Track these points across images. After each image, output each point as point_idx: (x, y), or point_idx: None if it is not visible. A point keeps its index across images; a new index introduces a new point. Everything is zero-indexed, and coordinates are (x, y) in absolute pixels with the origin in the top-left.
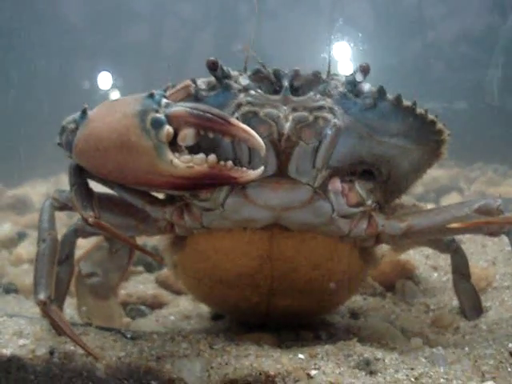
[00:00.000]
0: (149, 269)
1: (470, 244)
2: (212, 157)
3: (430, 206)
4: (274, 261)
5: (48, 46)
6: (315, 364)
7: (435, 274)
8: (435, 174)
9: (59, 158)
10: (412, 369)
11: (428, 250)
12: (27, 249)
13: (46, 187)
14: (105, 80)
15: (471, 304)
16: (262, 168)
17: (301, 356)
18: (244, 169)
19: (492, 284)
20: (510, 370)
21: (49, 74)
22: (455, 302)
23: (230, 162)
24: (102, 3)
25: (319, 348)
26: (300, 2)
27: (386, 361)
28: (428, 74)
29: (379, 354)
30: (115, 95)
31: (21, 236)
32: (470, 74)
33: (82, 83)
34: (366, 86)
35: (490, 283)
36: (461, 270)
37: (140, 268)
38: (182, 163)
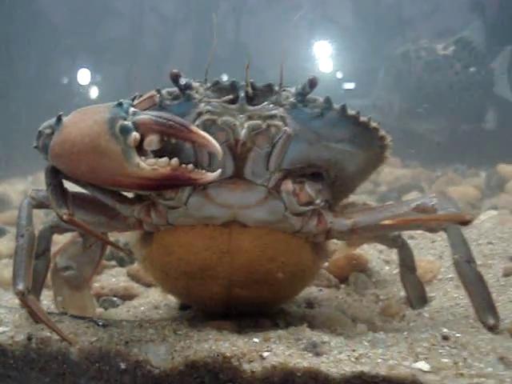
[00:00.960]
0: (121, 263)
1: (421, 240)
2: (174, 160)
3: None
4: (232, 254)
5: (27, 43)
6: (268, 347)
7: (387, 268)
8: (399, 173)
9: (37, 157)
10: (354, 350)
11: (381, 246)
12: (6, 245)
13: (24, 185)
14: (84, 76)
15: (416, 294)
16: (220, 171)
17: (255, 340)
18: (203, 171)
19: (437, 276)
20: (441, 351)
21: (27, 72)
22: (403, 293)
23: (190, 165)
24: (82, 0)
25: (272, 333)
26: None
27: (332, 344)
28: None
29: (326, 337)
30: (94, 91)
31: (0, 232)
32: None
33: (61, 80)
34: (314, 97)
35: (435, 275)
36: (407, 263)
37: (113, 262)
38: (148, 166)
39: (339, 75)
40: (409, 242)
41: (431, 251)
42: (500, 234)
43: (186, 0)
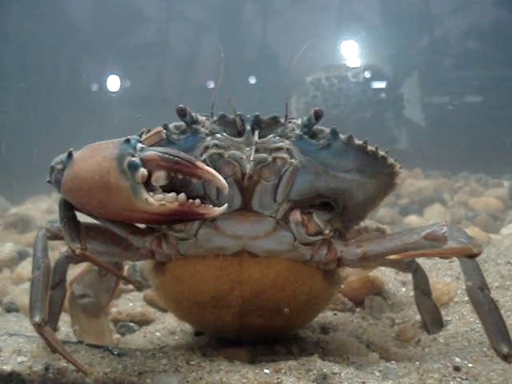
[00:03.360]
0: (138, 287)
1: (439, 259)
2: (182, 195)
3: (413, 217)
4: (243, 284)
5: (56, 49)
6: (278, 378)
7: (403, 289)
8: (420, 184)
9: None
10: (364, 382)
11: None
12: (28, 268)
13: (47, 203)
14: (113, 83)
15: (432, 318)
16: (226, 206)
17: (266, 371)
18: (210, 206)
19: (453, 299)
20: (451, 383)
21: (58, 80)
22: (418, 317)
23: (197, 200)
24: (109, 6)
25: (283, 363)
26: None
27: (342, 375)
28: (436, 70)
29: (336, 368)
30: (123, 97)
31: (22, 255)
32: (478, 69)
33: (91, 87)
34: (321, 128)
35: (451, 298)
36: (421, 287)
37: (130, 286)
38: (156, 201)
39: (367, 74)
40: (427, 261)
41: (448, 272)
42: None
43: (212, 3)
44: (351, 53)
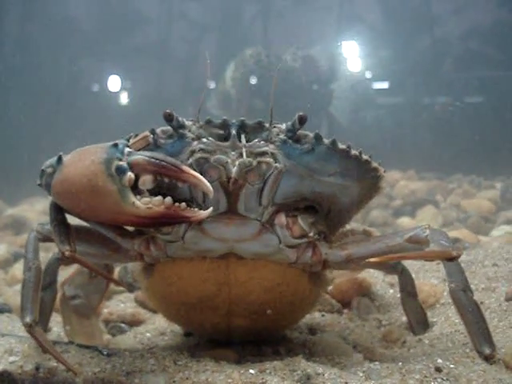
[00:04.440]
0: (129, 288)
1: (425, 262)
2: (168, 199)
3: (405, 219)
4: (230, 286)
5: (56, 49)
6: (263, 378)
7: (391, 291)
8: (414, 186)
9: None
10: (346, 382)
11: None
12: (21, 270)
13: (43, 205)
14: (114, 83)
15: (418, 320)
16: (211, 209)
17: (251, 371)
18: (196, 209)
19: (440, 300)
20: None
21: (58, 80)
22: (405, 318)
23: (183, 204)
24: (111, 7)
25: (268, 364)
26: (307, 0)
27: (326, 375)
28: (437, 70)
29: (320, 369)
30: (124, 97)
31: (16, 256)
32: (478, 70)
33: (92, 87)
34: (305, 133)
35: (437, 300)
36: (407, 288)
37: (121, 287)
38: (143, 205)
39: (368, 75)
40: (414, 264)
41: (435, 274)
42: (507, 255)
43: (213, 4)
44: (352, 53)
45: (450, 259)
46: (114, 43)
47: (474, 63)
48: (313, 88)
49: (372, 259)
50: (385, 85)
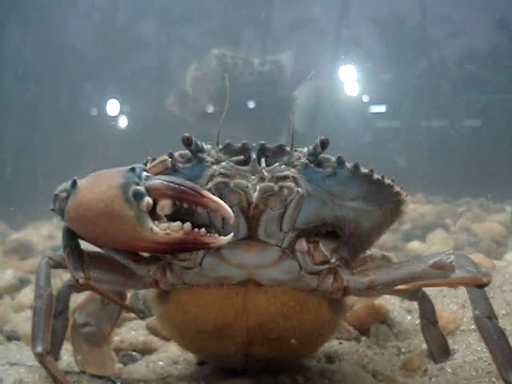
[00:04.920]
0: (141, 316)
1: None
2: (187, 224)
3: (415, 243)
4: (248, 313)
5: (56, 74)
6: None
7: (409, 317)
8: (423, 210)
9: None
10: None
11: None
12: (29, 295)
13: (48, 229)
14: (113, 107)
15: (438, 347)
16: (232, 235)
17: None
18: (216, 235)
19: (460, 327)
20: None
21: (57, 104)
22: (425, 345)
23: (203, 229)
24: (110, 32)
25: None
26: (304, 24)
27: None
28: (434, 94)
29: None
30: (123, 121)
31: (23, 282)
32: (476, 93)
33: (91, 111)
34: (326, 157)
35: (458, 326)
36: (428, 315)
37: (133, 314)
38: (161, 230)
39: (365, 98)
40: (431, 289)
41: (454, 299)
42: None
43: (212, 28)
44: (349, 77)
45: (480, 286)
46: (113, 67)
47: (472, 86)
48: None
49: (400, 286)
50: (382, 108)
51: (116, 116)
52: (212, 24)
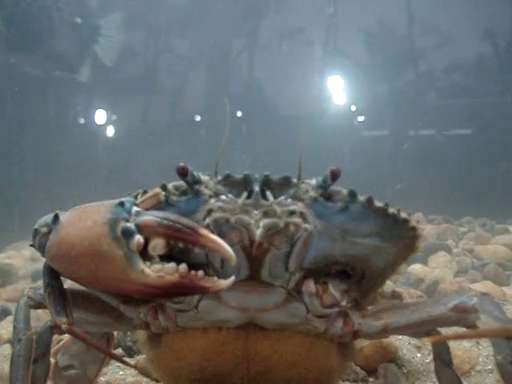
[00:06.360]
0: (129, 352)
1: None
2: (183, 266)
3: (417, 266)
4: (249, 360)
5: (44, 83)
6: None
7: (419, 355)
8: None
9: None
10: None
11: None
12: (8, 328)
13: (31, 250)
14: (100, 116)
15: None
16: (233, 278)
17: None
18: (215, 278)
19: (475, 367)
20: None
21: (44, 115)
22: None
23: (200, 272)
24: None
25: None
26: (292, 35)
27: None
28: (421, 103)
29: None
30: (110, 131)
31: (1, 313)
32: (462, 101)
33: (78, 120)
34: (337, 189)
35: (473, 366)
36: (442, 356)
37: (119, 351)
38: (153, 272)
39: (353, 108)
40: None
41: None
42: None
43: (200, 39)
44: (337, 87)
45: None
46: (101, 76)
47: (458, 95)
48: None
49: (426, 339)
50: (371, 118)
51: (103, 124)
52: (201, 34)
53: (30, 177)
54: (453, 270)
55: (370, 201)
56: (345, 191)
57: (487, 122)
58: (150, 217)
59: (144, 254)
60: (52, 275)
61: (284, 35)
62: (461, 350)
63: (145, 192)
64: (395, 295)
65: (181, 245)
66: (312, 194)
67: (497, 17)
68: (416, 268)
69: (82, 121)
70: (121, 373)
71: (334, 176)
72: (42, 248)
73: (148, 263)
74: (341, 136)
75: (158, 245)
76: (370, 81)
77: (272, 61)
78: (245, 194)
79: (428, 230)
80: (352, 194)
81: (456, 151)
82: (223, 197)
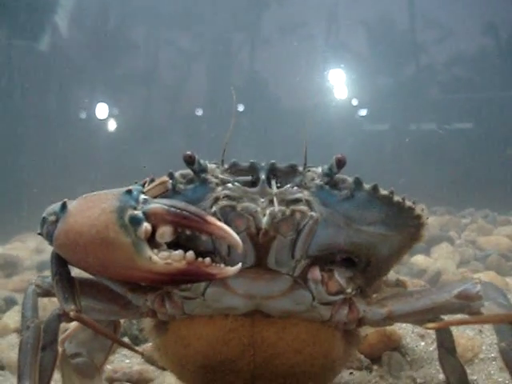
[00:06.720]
0: (135, 341)
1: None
2: (190, 254)
3: (420, 257)
4: (255, 347)
5: (44, 76)
6: None
7: (422, 343)
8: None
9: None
10: None
11: None
12: (15, 318)
13: (35, 242)
14: (102, 111)
15: (457, 379)
16: (240, 265)
17: None
18: (222, 265)
19: (478, 355)
20: None
21: (45, 108)
22: (442, 375)
23: (207, 259)
24: (98, 35)
25: None
26: (294, 28)
27: None
28: (422, 97)
29: None
30: (112, 124)
31: (8, 302)
32: (463, 95)
33: (80, 114)
34: (342, 177)
35: (476, 354)
36: (446, 344)
37: (126, 339)
38: (161, 260)
39: (354, 102)
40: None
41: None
42: None
43: (201, 32)
44: (338, 81)
45: None
46: (102, 70)
47: (460, 89)
48: None
49: (430, 325)
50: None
51: (105, 119)
52: (201, 27)
53: (30, 171)
54: (455, 260)
55: (375, 189)
56: (350, 179)
57: (489, 116)
58: (158, 205)
59: (151, 241)
60: (60, 263)
61: (286, 29)
62: (464, 338)
63: (152, 180)
64: (399, 283)
65: (188, 232)
66: (318, 181)
67: (499, 10)
68: (419, 259)
69: (83, 115)
70: (127, 361)
71: (340, 164)
72: (49, 236)
73: (155, 250)
74: (342, 130)
75: (165, 232)
76: (372, 74)
77: (274, 54)
78: (251, 183)
79: (431, 222)
80: (357, 182)
81: (458, 144)
82: (230, 185)
